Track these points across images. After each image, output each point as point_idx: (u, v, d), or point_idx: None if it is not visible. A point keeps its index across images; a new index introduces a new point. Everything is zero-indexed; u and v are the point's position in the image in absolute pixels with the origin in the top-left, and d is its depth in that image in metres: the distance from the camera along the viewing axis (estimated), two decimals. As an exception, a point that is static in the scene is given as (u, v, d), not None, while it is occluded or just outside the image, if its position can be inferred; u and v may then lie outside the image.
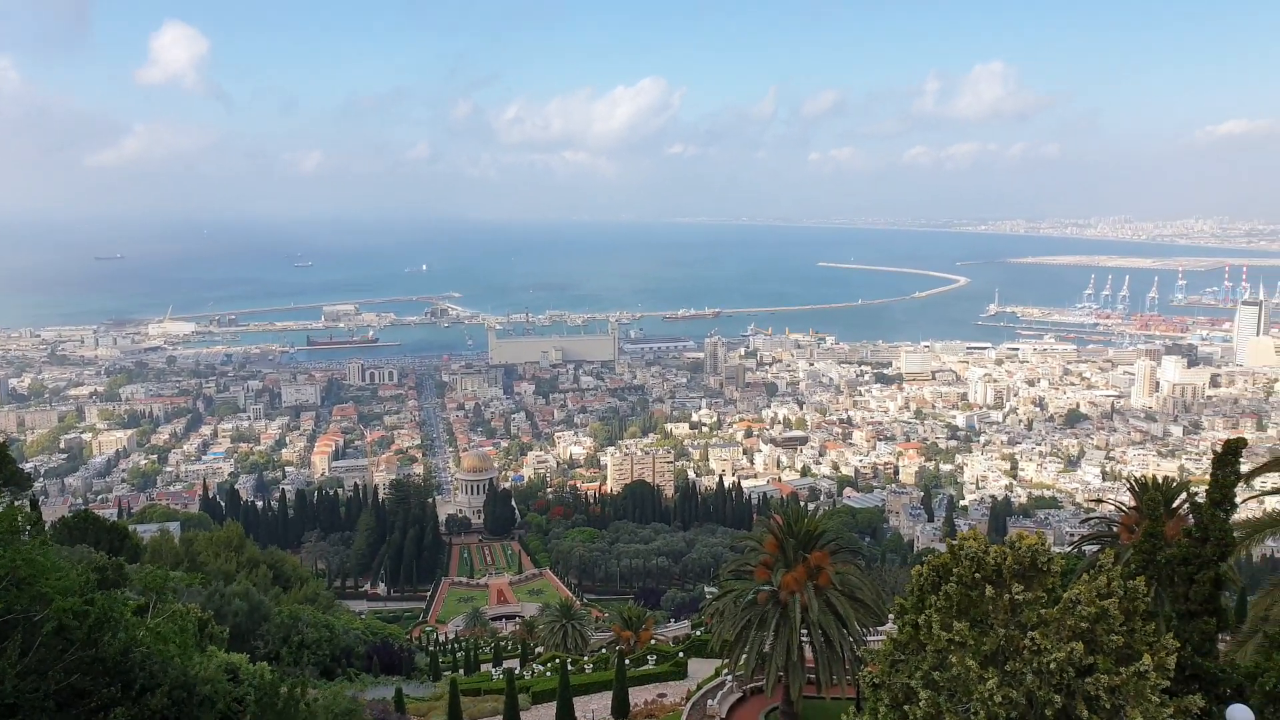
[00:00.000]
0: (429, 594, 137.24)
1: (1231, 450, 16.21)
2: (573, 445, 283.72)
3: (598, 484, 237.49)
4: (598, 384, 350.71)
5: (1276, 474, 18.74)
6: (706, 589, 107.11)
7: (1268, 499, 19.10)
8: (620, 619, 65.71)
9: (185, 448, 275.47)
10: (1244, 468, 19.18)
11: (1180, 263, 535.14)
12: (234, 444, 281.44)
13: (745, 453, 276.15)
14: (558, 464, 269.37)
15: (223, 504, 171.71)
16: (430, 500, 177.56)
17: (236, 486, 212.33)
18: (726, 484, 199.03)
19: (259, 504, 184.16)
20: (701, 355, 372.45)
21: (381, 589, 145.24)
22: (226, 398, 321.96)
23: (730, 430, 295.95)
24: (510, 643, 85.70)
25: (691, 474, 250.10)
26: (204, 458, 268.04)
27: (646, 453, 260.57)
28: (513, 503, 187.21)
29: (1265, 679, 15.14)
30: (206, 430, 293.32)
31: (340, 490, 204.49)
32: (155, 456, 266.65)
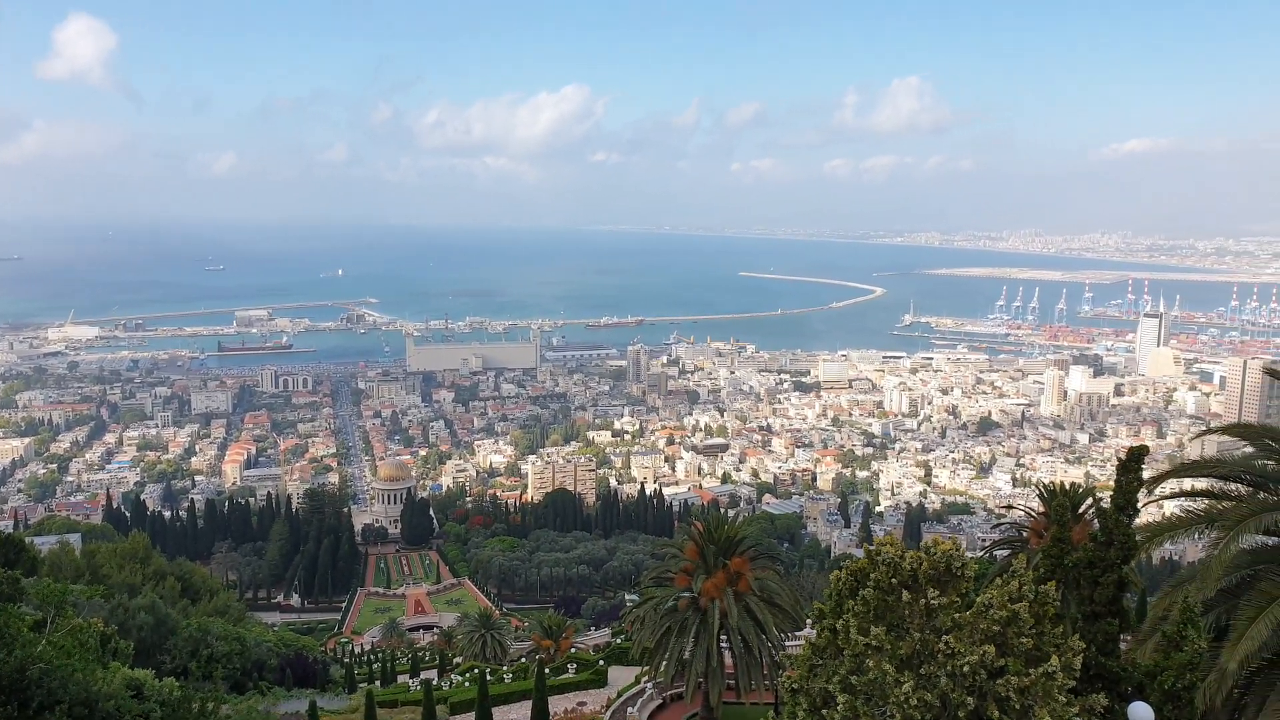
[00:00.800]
0: (344, 605, 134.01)
1: (1134, 457, 16.80)
2: (493, 454, 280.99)
3: (518, 493, 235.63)
4: (519, 392, 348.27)
5: (1176, 480, 19.46)
6: (627, 597, 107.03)
7: (1167, 504, 19.85)
8: (540, 628, 65.10)
9: (88, 456, 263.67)
10: (1146, 474, 19.93)
11: (1087, 276, 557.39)
12: (140, 452, 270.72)
13: (667, 460, 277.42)
14: (478, 473, 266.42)
15: (128, 514, 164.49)
16: (346, 510, 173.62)
17: (143, 496, 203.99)
18: (648, 491, 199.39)
19: (167, 514, 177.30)
20: (624, 363, 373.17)
21: (295, 600, 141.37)
22: (133, 405, 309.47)
23: (652, 438, 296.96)
24: (428, 653, 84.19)
25: (613, 482, 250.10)
26: (108, 467, 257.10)
27: (568, 461, 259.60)
28: (431, 512, 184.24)
29: (1164, 677, 15.69)
30: (111, 438, 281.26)
31: (253, 500, 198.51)
32: (55, 466, 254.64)
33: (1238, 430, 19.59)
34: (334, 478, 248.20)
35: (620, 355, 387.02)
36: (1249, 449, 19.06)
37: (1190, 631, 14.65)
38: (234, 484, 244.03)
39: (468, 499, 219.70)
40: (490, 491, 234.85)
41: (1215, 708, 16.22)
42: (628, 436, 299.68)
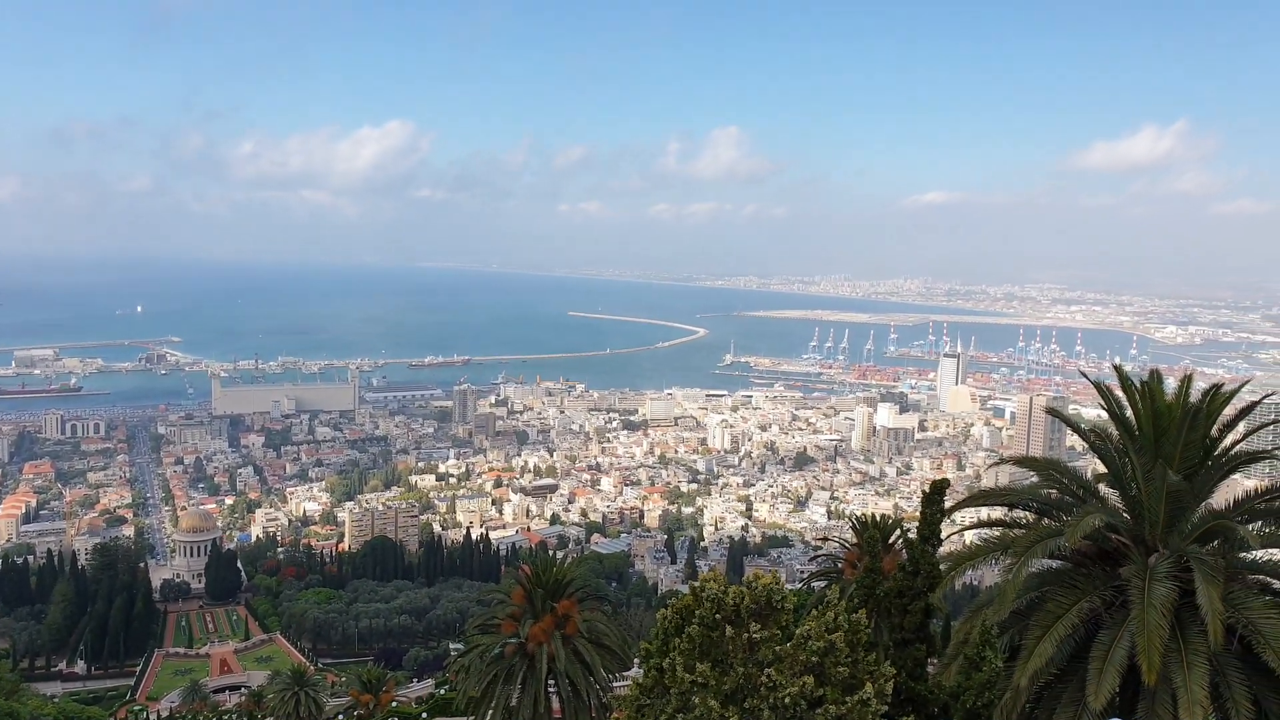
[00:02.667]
0: (139, 669, 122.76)
1: (936, 490, 17.87)
2: (307, 501, 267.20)
3: (335, 541, 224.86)
4: (336, 435, 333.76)
5: (975, 509, 20.79)
6: (452, 646, 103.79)
7: (968, 533, 21.16)
8: (359, 682, 61.91)
9: None
10: (948, 504, 21.24)
11: (892, 318, 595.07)
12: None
13: (494, 503, 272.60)
14: (290, 521, 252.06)
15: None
16: (143, 565, 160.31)
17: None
18: (474, 536, 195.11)
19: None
20: (450, 404, 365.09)
21: (80, 667, 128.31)
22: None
23: (479, 480, 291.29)
24: (235, 716, 78.36)
25: (437, 527, 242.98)
26: None
27: (389, 507, 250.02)
28: (239, 564, 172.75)
29: (965, 697, 16.66)
30: None
31: (32, 558, 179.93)
32: None
33: (1025, 462, 21.19)
34: (129, 530, 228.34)
35: (446, 396, 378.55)
36: (1035, 479, 20.61)
37: (988, 652, 15.61)
38: (9, 541, 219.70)
39: (280, 549, 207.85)
40: (304, 541, 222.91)
41: (1011, 723, 17.27)
42: (453, 480, 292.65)
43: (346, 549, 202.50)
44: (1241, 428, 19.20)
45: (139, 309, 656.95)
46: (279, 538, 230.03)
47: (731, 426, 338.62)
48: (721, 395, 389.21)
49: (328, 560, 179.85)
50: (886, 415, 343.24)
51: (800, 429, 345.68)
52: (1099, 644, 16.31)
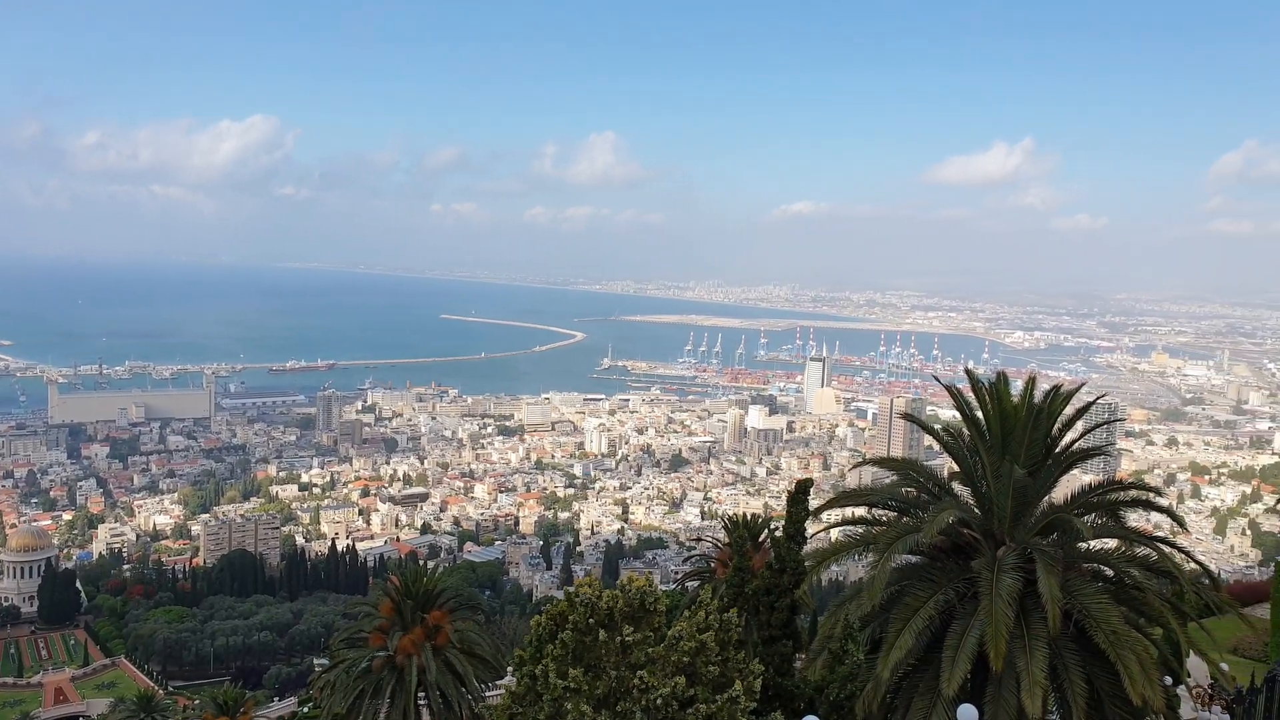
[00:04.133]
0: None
1: (801, 490, 18.44)
2: (158, 514, 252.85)
3: (189, 556, 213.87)
4: (190, 444, 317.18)
5: (840, 508, 21.54)
6: (316, 662, 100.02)
7: (833, 530, 21.88)
8: (213, 704, 58.78)
9: None
10: (814, 503, 21.95)
11: (763, 323, 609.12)
12: None
13: (361, 513, 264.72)
14: (138, 536, 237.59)
15: None
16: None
17: None
18: (340, 548, 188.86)
19: None
20: (314, 410, 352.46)
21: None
22: None
23: (345, 490, 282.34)
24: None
25: (300, 539, 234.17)
26: None
27: (248, 519, 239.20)
28: (78, 584, 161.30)
29: (830, 690, 17.24)
30: None
31: None
32: None
33: (884, 462, 22.11)
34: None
35: (309, 402, 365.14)
36: (895, 478, 21.52)
37: (851, 646, 16.20)
38: None
39: (126, 567, 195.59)
40: (154, 557, 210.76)
41: (873, 712, 17.98)
42: (317, 489, 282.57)
43: (201, 564, 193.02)
44: (1080, 426, 20.57)
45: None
46: (126, 554, 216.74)
47: (609, 430, 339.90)
48: (599, 399, 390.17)
49: (180, 577, 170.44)
50: (757, 417, 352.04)
51: (676, 431, 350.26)
52: (952, 634, 17.16)
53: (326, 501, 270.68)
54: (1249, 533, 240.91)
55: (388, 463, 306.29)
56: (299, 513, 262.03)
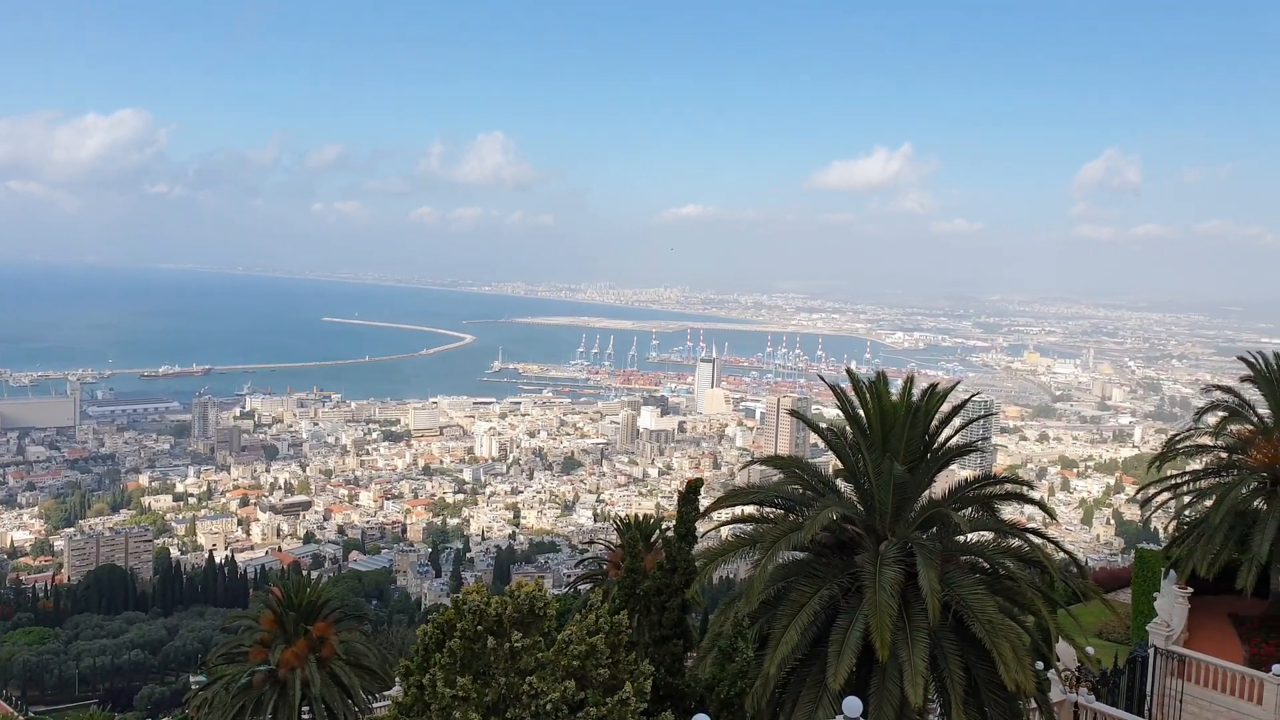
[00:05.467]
0: None
1: (691, 490, 18.59)
2: (15, 529, 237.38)
3: (51, 574, 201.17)
4: (52, 454, 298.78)
5: (729, 506, 21.79)
6: (193, 679, 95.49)
7: (723, 529, 22.12)
8: (80, 731, 55.61)
9: None
10: (705, 502, 22.16)
11: (654, 325, 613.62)
12: None
13: (241, 523, 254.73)
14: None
15: None
16: None
17: None
18: (218, 559, 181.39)
19: None
20: (188, 417, 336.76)
21: None
22: None
23: (223, 499, 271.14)
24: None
25: (175, 552, 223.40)
26: None
27: (117, 532, 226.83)
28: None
29: (720, 688, 17.41)
30: None
31: None
32: None
33: (772, 461, 22.48)
34: None
35: (184, 409, 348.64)
36: (781, 476, 21.91)
37: (740, 643, 16.40)
38: None
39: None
40: (12, 575, 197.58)
41: (762, 708, 18.25)
42: (193, 499, 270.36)
43: (65, 581, 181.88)
44: (957, 422, 21.38)
45: None
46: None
47: (500, 434, 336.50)
48: (489, 402, 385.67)
49: (42, 595, 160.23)
50: (649, 418, 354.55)
51: (568, 434, 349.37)
52: (837, 628, 17.57)
53: (203, 512, 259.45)
54: (1113, 522, 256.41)
55: (268, 470, 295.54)
56: (174, 524, 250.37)
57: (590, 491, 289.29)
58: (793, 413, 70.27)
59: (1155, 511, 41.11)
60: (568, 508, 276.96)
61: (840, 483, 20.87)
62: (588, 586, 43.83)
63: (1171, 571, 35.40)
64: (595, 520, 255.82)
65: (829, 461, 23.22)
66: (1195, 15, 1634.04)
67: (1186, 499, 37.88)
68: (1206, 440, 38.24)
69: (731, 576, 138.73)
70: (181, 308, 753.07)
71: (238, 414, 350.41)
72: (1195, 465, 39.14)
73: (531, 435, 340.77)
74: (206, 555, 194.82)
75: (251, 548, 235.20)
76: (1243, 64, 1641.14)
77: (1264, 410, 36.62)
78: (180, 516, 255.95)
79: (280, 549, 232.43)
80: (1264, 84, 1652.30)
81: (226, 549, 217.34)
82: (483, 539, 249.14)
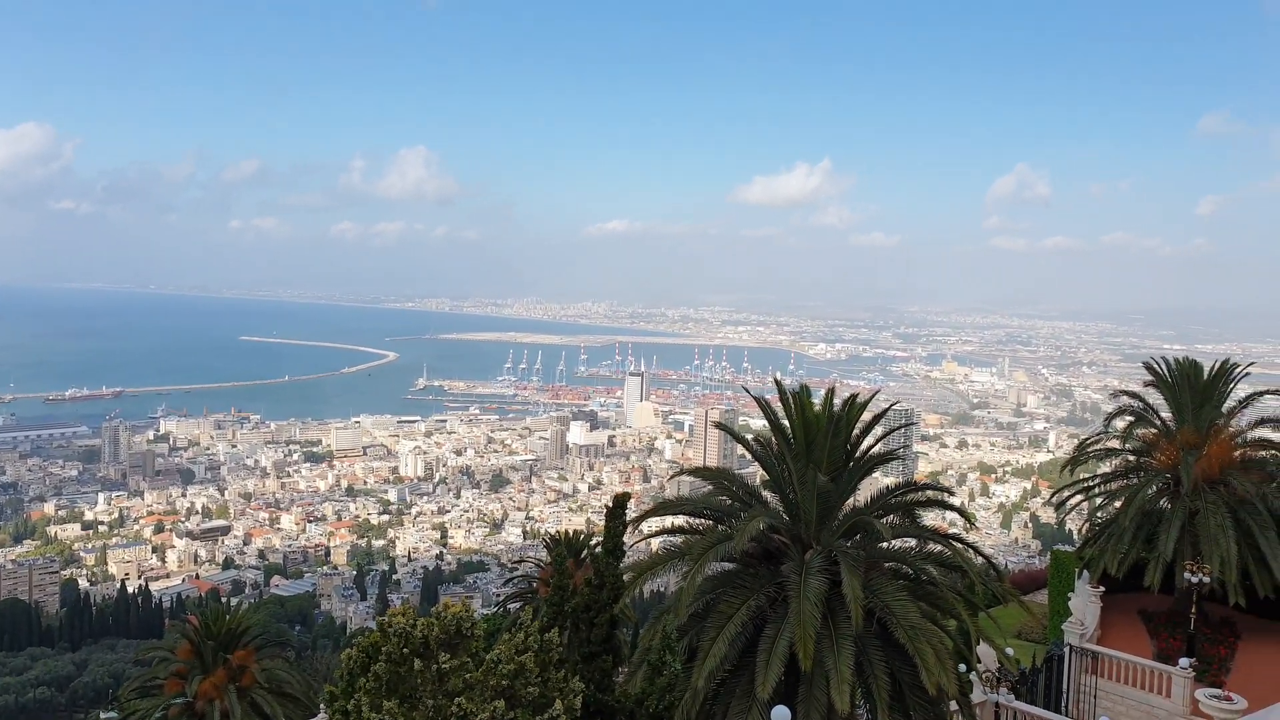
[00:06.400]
0: None
1: (618, 504, 18.61)
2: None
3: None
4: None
5: (659, 518, 21.88)
6: (104, 715, 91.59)
7: (653, 541, 22.17)
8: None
9: None
10: (634, 514, 22.18)
11: (583, 340, 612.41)
12: None
13: (155, 550, 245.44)
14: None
15: None
16: None
17: None
18: (131, 589, 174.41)
19: None
20: (98, 442, 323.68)
21: None
22: None
23: (136, 526, 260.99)
24: None
25: (84, 583, 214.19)
26: None
27: (20, 564, 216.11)
28: None
29: (649, 702, 17.38)
30: None
31: None
32: None
33: (699, 472, 22.68)
34: None
35: (94, 433, 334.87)
36: (709, 488, 22.09)
37: (669, 657, 16.42)
38: None
39: None
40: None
41: (692, 721, 18.28)
42: (104, 527, 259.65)
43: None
44: (878, 431, 21.86)
45: None
46: None
47: (425, 453, 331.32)
48: (415, 421, 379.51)
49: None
50: (578, 433, 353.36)
51: (496, 451, 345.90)
52: (765, 638, 17.75)
53: (115, 540, 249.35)
54: (1030, 525, 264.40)
55: (184, 495, 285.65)
56: (82, 554, 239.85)
57: (519, 509, 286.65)
58: (719, 426, 71.06)
59: (1069, 513, 42.67)
60: (496, 526, 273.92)
61: (766, 493, 21.12)
62: (517, 605, 43.44)
63: (1085, 571, 36.69)
64: (525, 538, 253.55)
65: (756, 472, 23.50)
66: (1097, 37, 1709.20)
67: (1098, 501, 39.36)
68: (1115, 444, 39.83)
69: (663, 589, 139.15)
70: (90, 328, 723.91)
71: (151, 437, 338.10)
72: (1105, 468, 40.74)
73: (458, 453, 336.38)
74: (118, 585, 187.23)
75: (167, 576, 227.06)
76: (1138, 81, 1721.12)
77: (1166, 414, 38.34)
78: (89, 546, 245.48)
79: (198, 576, 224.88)
80: (1158, 100, 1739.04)
81: (140, 578, 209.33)
82: (409, 560, 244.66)
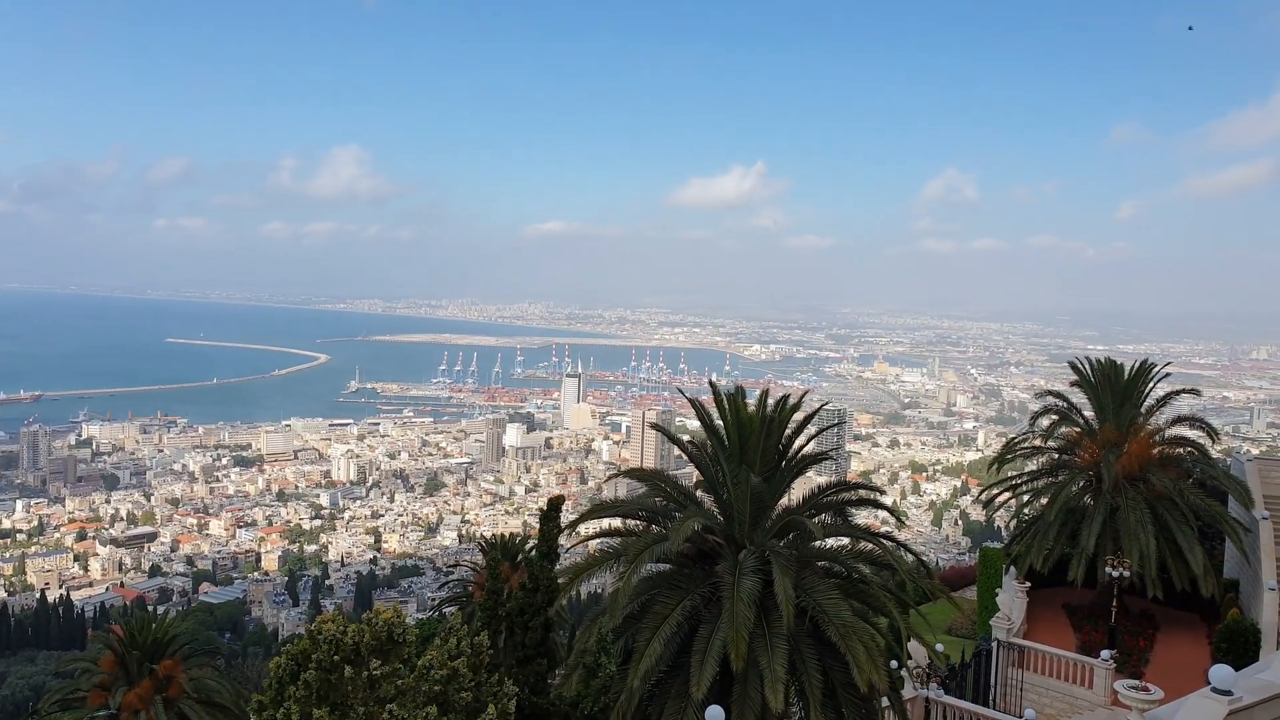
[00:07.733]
0: None
1: (553, 506, 18.54)
2: None
3: None
4: None
5: (593, 520, 21.86)
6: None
7: (591, 543, 22.14)
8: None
9: None
10: (572, 516, 22.12)
11: (519, 341, 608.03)
12: None
13: (78, 558, 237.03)
14: None
15: None
16: None
17: None
18: (51, 599, 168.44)
19: None
20: (16, 448, 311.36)
21: None
22: None
23: (57, 534, 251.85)
24: None
25: (2, 593, 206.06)
26: None
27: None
28: None
29: (584, 704, 17.33)
30: None
31: None
32: None
33: (634, 474, 22.72)
34: None
35: (10, 439, 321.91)
36: (645, 489, 22.13)
37: (604, 659, 16.40)
38: None
39: None
40: None
41: (628, 723, 18.28)
42: (22, 536, 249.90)
43: None
44: (811, 430, 22.14)
45: None
46: None
47: (358, 456, 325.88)
48: (347, 424, 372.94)
49: None
50: (515, 435, 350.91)
51: (431, 454, 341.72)
52: (699, 639, 17.85)
53: (34, 548, 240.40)
54: (960, 522, 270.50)
55: (108, 501, 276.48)
56: (0, 563, 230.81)
57: (455, 512, 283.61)
58: (655, 427, 71.51)
59: (997, 511, 43.73)
60: (431, 530, 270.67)
61: (701, 494, 21.24)
62: (452, 609, 43.08)
63: (1012, 567, 37.67)
64: (460, 541, 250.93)
65: (692, 473, 23.62)
66: (1022, 42, 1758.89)
67: (1025, 498, 40.43)
68: (1040, 443, 40.99)
69: (600, 591, 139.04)
70: (5, 331, 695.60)
71: (73, 442, 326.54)
72: (1032, 466, 41.88)
73: (392, 456, 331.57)
74: (38, 595, 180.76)
75: (90, 584, 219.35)
76: (1059, 88, 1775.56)
77: (1090, 413, 39.58)
78: (7, 555, 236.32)
79: (122, 584, 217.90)
80: (1075, 109, 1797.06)
81: (61, 587, 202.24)
82: (343, 565, 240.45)
